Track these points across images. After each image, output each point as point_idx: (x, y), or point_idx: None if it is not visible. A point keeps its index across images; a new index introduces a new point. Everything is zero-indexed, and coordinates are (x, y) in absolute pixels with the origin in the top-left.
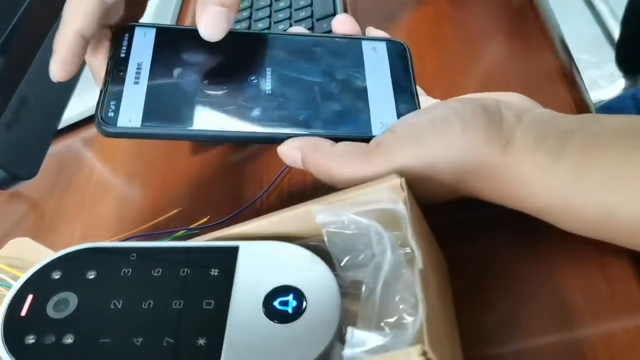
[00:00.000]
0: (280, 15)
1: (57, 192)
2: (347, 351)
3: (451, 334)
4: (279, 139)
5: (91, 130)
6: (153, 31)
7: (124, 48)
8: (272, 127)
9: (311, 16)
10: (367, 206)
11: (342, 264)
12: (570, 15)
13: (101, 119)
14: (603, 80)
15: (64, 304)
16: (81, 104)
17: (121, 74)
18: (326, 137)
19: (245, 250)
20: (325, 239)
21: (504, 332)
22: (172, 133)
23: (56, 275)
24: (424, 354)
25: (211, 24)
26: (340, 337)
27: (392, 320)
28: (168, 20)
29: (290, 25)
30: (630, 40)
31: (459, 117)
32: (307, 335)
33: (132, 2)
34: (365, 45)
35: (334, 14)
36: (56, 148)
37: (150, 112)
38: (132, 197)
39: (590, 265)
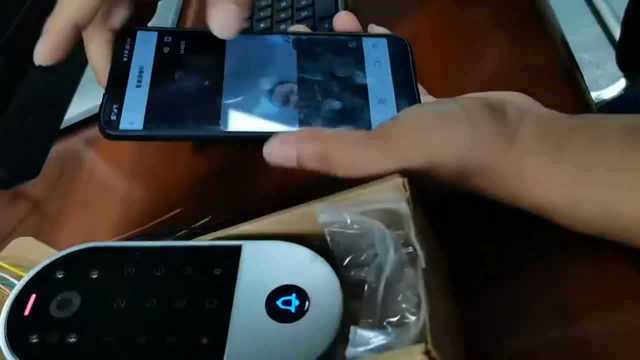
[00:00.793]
0: (282, 15)
1: (59, 192)
2: (349, 350)
3: (454, 333)
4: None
5: (93, 130)
6: (155, 35)
7: (126, 52)
8: (273, 127)
9: (313, 16)
10: (370, 205)
11: (344, 263)
12: (571, 15)
13: (104, 122)
14: (604, 80)
15: (67, 303)
16: (83, 104)
17: (123, 77)
18: None
19: (248, 249)
20: (328, 238)
21: (504, 330)
22: (174, 135)
23: (59, 274)
24: (427, 352)
25: (223, 22)
26: (342, 336)
27: (394, 319)
28: (169, 20)
29: (292, 25)
30: (631, 40)
31: (465, 110)
32: (310, 334)
33: (139, 2)
34: (366, 43)
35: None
36: (58, 148)
37: (153, 115)
38: (134, 197)
39: (590, 264)
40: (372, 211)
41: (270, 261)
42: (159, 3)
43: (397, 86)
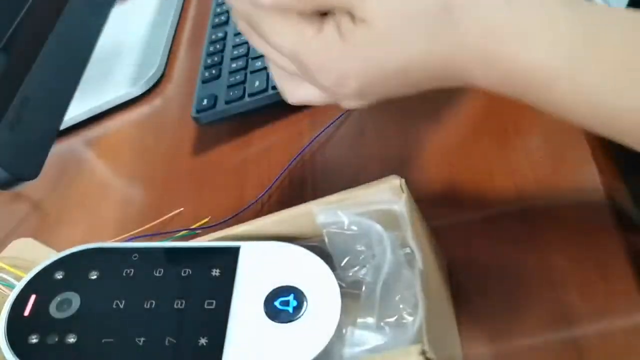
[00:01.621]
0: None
1: (59, 193)
2: (347, 350)
3: (450, 334)
4: None
5: (93, 131)
6: None
7: None
8: None
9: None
10: (367, 207)
11: (342, 264)
12: None
13: None
14: None
15: (66, 303)
16: (83, 105)
17: None
18: None
19: (247, 250)
20: (326, 239)
21: (502, 331)
22: None
23: (59, 275)
24: (423, 353)
25: None
26: (340, 337)
27: (392, 319)
28: (169, 18)
29: None
30: None
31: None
32: (308, 334)
33: None
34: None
35: None
36: (58, 149)
37: None
38: (133, 198)
39: (588, 265)
40: (370, 212)
41: (268, 262)
42: (159, 2)
43: None
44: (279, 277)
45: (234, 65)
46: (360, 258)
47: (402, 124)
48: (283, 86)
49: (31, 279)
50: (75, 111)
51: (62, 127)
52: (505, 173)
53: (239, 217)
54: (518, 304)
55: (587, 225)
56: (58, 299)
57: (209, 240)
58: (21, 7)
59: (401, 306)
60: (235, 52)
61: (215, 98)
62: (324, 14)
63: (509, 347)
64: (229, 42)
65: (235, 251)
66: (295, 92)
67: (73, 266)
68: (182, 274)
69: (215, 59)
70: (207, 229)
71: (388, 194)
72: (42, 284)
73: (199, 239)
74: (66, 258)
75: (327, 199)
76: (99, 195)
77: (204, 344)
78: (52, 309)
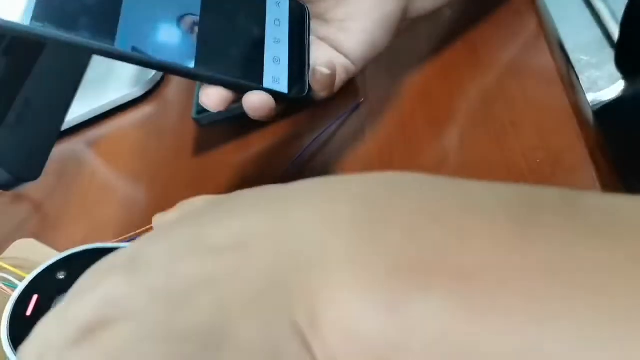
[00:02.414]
0: None
1: (60, 194)
2: None
3: None
4: (158, 67)
5: (94, 132)
6: None
7: None
8: (167, 56)
9: None
10: None
11: None
12: (569, 16)
13: None
14: (603, 82)
15: None
16: (84, 105)
17: None
18: (214, 78)
19: None
20: None
21: None
22: (60, 36)
23: (61, 275)
24: None
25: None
26: None
27: None
28: None
29: None
30: (630, 41)
31: None
32: None
33: None
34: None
35: None
36: (59, 149)
37: (44, 10)
38: (135, 198)
39: None
40: None
41: None
42: None
43: (291, 48)
44: None
45: None
46: None
47: (401, 124)
48: None
49: (33, 279)
50: (77, 112)
51: (63, 128)
52: (503, 175)
53: None
54: None
55: None
56: (60, 299)
57: None
58: None
59: None
60: None
61: None
62: None
63: None
64: None
65: None
66: None
67: (75, 266)
68: None
69: None
70: None
71: None
72: (44, 284)
73: None
74: (68, 258)
75: None
76: (100, 196)
77: None
78: None
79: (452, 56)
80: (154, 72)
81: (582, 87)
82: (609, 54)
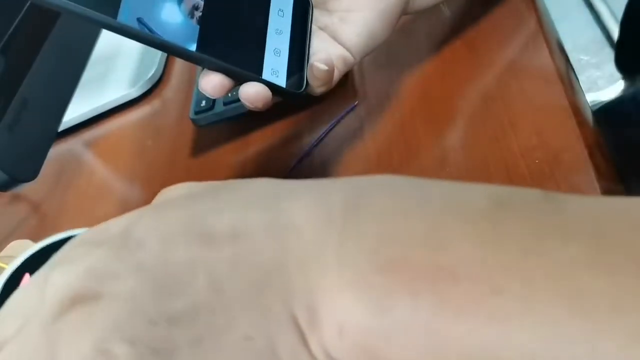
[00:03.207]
0: None
1: (58, 194)
2: None
3: None
4: (161, 47)
5: (92, 132)
6: None
7: None
8: (170, 36)
9: None
10: None
11: None
12: (569, 15)
13: None
14: (603, 81)
15: None
16: (82, 106)
17: None
18: (215, 64)
19: None
20: None
21: None
22: (65, 6)
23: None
24: None
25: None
26: None
27: None
28: None
29: None
30: (630, 41)
31: None
32: None
33: None
34: None
35: None
36: (57, 150)
37: None
38: (132, 199)
39: None
40: None
41: None
42: None
43: (292, 41)
44: None
45: None
46: None
47: (400, 124)
48: None
49: (27, 258)
50: (74, 112)
51: (61, 128)
52: (502, 174)
53: None
54: None
55: None
56: None
57: None
58: (19, 9)
59: None
60: None
61: (214, 100)
62: None
63: None
64: None
65: None
66: None
67: None
68: None
69: None
70: None
71: None
72: (37, 264)
73: None
74: (62, 242)
75: None
76: (97, 196)
77: None
78: None
79: (451, 56)
80: (152, 72)
81: (581, 87)
82: (609, 54)
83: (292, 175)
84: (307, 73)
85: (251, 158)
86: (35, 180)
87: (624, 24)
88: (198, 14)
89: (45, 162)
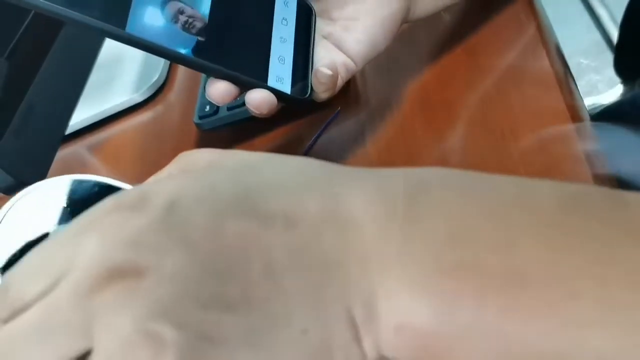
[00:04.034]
0: None
1: None
2: None
3: None
4: (172, 57)
5: (96, 137)
6: None
7: None
8: (172, 43)
9: None
10: None
11: None
12: (569, 19)
13: None
14: (602, 85)
15: None
16: (86, 111)
17: None
18: (222, 72)
19: None
20: None
21: None
22: (74, 15)
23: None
24: None
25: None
26: None
27: None
28: None
29: None
30: (629, 46)
31: None
32: None
33: None
34: None
35: None
36: (62, 154)
37: None
38: None
39: None
40: None
41: None
42: None
43: (296, 49)
44: None
45: None
46: None
47: (401, 129)
48: None
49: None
50: (79, 117)
51: (66, 132)
52: None
53: None
54: None
55: None
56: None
57: None
58: (25, 16)
59: None
60: None
61: (218, 105)
62: None
63: None
64: None
65: None
66: None
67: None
68: None
69: None
70: None
71: None
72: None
73: None
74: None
75: None
76: None
77: None
78: None
79: (451, 61)
80: (156, 77)
81: (579, 92)
82: (609, 58)
83: None
84: (312, 79)
85: None
86: None
87: (623, 29)
88: (183, 18)
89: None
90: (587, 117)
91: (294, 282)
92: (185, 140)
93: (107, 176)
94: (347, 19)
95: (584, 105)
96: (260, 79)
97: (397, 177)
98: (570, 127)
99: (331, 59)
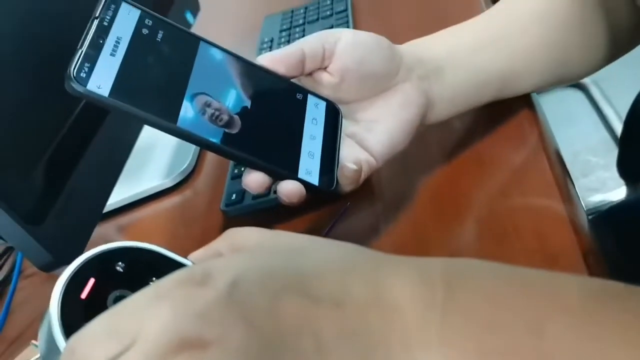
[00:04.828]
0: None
1: None
2: None
3: None
4: (214, 149)
5: (125, 218)
6: (137, 13)
7: (109, 17)
8: (215, 137)
9: None
10: None
11: None
12: (578, 118)
13: (74, 76)
14: (612, 182)
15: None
16: (120, 193)
17: (101, 41)
18: (258, 164)
19: None
20: None
21: None
22: (134, 112)
23: (119, 267)
24: None
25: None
26: None
27: None
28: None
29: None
30: (631, 150)
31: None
32: None
33: None
34: (310, 100)
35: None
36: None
37: (120, 87)
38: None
39: None
40: None
41: None
42: None
43: (324, 145)
44: None
45: None
46: None
47: (412, 223)
48: None
49: (91, 259)
50: (112, 199)
51: None
52: None
53: None
54: None
55: None
56: (117, 293)
57: None
58: (70, 114)
59: None
60: None
61: (243, 193)
62: None
63: None
64: None
65: None
66: None
67: (135, 263)
68: None
69: None
70: None
71: None
72: (102, 270)
73: None
74: (129, 250)
75: None
76: None
77: None
78: (110, 303)
79: (460, 164)
80: (185, 164)
81: (577, 194)
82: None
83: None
84: (338, 173)
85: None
86: None
87: (625, 133)
88: (210, 111)
89: None
90: (585, 217)
91: (338, 355)
92: (211, 225)
93: None
94: (369, 120)
95: (582, 206)
96: (291, 171)
97: (435, 265)
98: (568, 228)
99: (356, 156)
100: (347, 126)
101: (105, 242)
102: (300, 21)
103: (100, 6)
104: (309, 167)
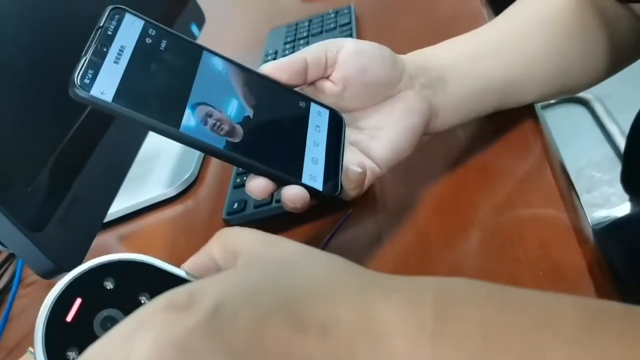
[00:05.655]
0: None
1: None
2: None
3: None
4: (218, 155)
5: (126, 228)
6: (141, 23)
7: (113, 27)
8: (218, 143)
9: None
10: None
11: None
12: (582, 134)
13: (77, 82)
14: (616, 198)
15: (111, 323)
16: (122, 202)
17: (104, 49)
18: (260, 169)
19: None
20: None
21: None
22: (137, 118)
23: (109, 284)
24: None
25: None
26: None
27: None
28: None
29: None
30: (635, 164)
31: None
32: None
33: None
34: (313, 108)
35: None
36: (93, 242)
37: (124, 92)
38: None
39: None
40: None
41: None
42: None
43: (328, 151)
44: None
45: None
46: None
47: (416, 232)
48: None
49: (78, 277)
50: (114, 208)
51: None
52: (509, 284)
53: None
54: None
55: None
56: (104, 314)
57: None
58: (73, 122)
59: None
60: None
61: (245, 202)
62: None
63: None
64: None
65: None
66: None
67: (125, 278)
68: None
69: None
70: None
71: None
72: (89, 288)
73: None
74: (118, 264)
75: None
76: None
77: None
78: (96, 325)
79: (464, 174)
80: (188, 174)
81: (582, 206)
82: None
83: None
84: (342, 178)
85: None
86: None
87: (627, 150)
88: (212, 121)
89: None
90: (589, 228)
91: None
92: (212, 234)
93: None
94: (372, 128)
95: (586, 216)
96: (295, 177)
97: (427, 286)
98: (572, 238)
99: (360, 160)
100: (350, 134)
101: (105, 251)
102: (304, 34)
103: (105, 16)
104: (313, 172)
